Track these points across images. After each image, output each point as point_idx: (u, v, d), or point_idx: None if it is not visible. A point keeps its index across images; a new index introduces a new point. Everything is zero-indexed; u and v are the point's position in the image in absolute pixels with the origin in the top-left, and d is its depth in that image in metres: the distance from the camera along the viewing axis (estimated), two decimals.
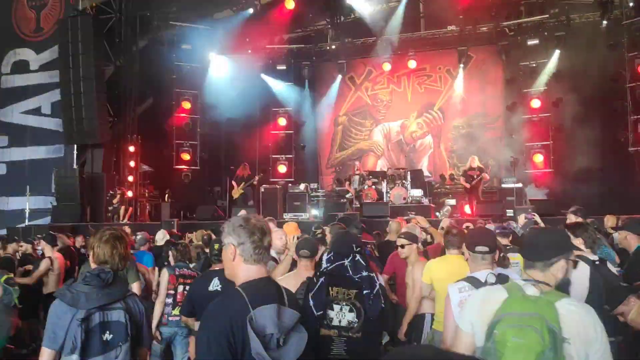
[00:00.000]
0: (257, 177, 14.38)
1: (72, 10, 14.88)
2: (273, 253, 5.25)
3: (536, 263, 2.32)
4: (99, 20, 14.89)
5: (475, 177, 13.09)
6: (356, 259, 3.17)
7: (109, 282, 2.70)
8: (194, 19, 16.78)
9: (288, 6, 15.68)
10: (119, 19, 15.67)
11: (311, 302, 3.07)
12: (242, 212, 8.84)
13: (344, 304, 3.07)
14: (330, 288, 3.09)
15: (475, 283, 3.07)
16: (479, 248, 3.18)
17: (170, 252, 5.60)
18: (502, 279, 2.81)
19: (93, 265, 2.83)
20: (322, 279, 3.13)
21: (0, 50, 16.62)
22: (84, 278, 2.70)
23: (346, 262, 3.15)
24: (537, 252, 2.35)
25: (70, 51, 14.08)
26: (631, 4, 13.39)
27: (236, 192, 14.25)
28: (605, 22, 13.82)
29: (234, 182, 14.41)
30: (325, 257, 3.26)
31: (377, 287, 3.15)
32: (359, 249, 3.24)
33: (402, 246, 5.12)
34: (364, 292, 3.08)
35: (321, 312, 3.04)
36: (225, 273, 2.35)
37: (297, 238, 4.39)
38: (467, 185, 13.19)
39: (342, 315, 3.06)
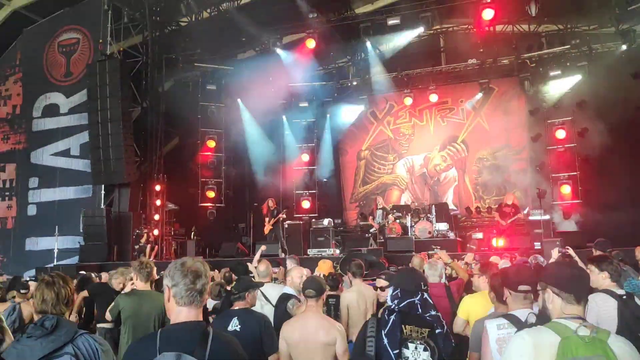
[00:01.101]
0: (281, 215, 14.38)
1: (100, 55, 15.40)
2: (293, 291, 5.23)
3: (582, 300, 2.30)
4: (126, 63, 15.36)
5: (511, 214, 12.85)
6: (424, 297, 3.18)
7: (52, 330, 2.59)
8: (218, 60, 17.23)
9: (309, 45, 15.96)
10: (145, 61, 16.16)
11: (385, 341, 3.04)
12: (263, 248, 8.86)
13: (419, 342, 3.04)
14: (403, 326, 3.06)
15: (515, 321, 3.02)
16: (521, 287, 3.14)
17: None
18: (542, 319, 2.74)
19: (36, 317, 2.77)
20: (393, 317, 3.10)
21: (32, 95, 17.24)
22: (28, 330, 2.62)
23: (416, 300, 3.14)
24: (585, 288, 2.34)
25: (99, 94, 14.52)
26: None
27: (266, 228, 14.27)
28: (625, 48, 13.70)
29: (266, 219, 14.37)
30: (390, 294, 3.25)
31: (446, 326, 3.16)
32: (426, 287, 3.23)
33: (382, 288, 4.90)
34: (437, 331, 3.07)
35: (397, 350, 3.01)
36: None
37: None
38: (504, 223, 12.89)
39: (417, 354, 3.03)
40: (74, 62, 16.69)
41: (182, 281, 2.24)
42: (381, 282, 4.93)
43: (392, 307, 3.17)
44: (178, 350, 2.08)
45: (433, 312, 3.14)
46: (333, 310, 5.28)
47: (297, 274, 5.16)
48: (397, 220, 13.58)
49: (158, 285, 5.96)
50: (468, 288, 5.65)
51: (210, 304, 6.03)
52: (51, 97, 16.94)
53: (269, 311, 4.98)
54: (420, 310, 3.11)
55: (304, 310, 4.15)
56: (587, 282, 2.40)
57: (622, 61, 13.95)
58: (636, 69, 13.61)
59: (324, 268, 6.35)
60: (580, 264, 6.04)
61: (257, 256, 7.29)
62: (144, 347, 2.16)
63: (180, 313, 2.24)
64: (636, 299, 3.76)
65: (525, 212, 13.27)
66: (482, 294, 4.41)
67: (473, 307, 4.37)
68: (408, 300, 3.13)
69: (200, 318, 2.29)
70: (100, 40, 15.49)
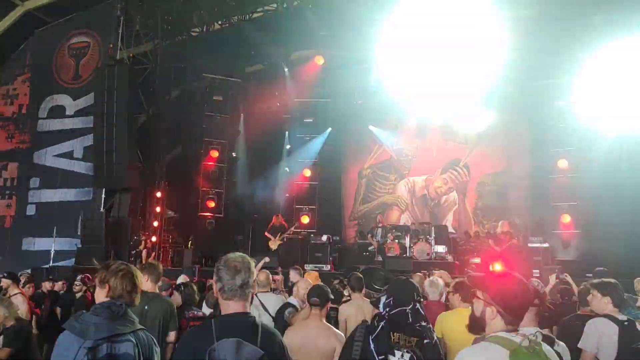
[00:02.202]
0: (292, 229, 14.41)
1: (110, 59, 15.51)
2: (296, 302, 5.22)
3: (521, 314, 2.42)
4: (135, 69, 15.48)
5: (505, 241, 12.86)
6: (416, 307, 3.20)
7: (120, 315, 2.67)
8: (226, 71, 17.34)
9: (318, 62, 16.11)
10: (154, 69, 16.27)
11: (372, 346, 3.05)
12: (266, 259, 8.84)
13: (405, 350, 3.04)
14: (392, 333, 3.08)
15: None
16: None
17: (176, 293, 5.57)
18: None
19: (103, 299, 2.78)
20: (382, 323, 3.13)
21: (39, 95, 17.36)
22: (94, 309, 2.68)
23: (407, 309, 3.16)
24: (527, 304, 2.49)
25: (106, 98, 14.59)
26: None
27: (274, 244, 14.28)
28: None
29: (268, 234, 14.47)
30: (383, 302, 3.27)
31: (436, 338, 3.19)
32: (419, 298, 3.26)
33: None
34: (425, 341, 3.08)
35: (382, 357, 3.02)
36: None
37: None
38: (498, 249, 12.90)
39: None
40: (83, 65, 16.83)
41: (224, 277, 2.44)
42: (314, 300, 4.75)
43: (383, 313, 3.19)
44: (233, 337, 2.25)
45: (424, 323, 3.16)
46: (332, 323, 5.26)
47: (303, 286, 5.17)
48: (396, 240, 13.56)
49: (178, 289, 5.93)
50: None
51: (207, 311, 5.99)
52: (58, 99, 17.04)
53: (266, 321, 4.96)
54: (410, 319, 3.13)
55: (301, 318, 4.14)
56: (529, 298, 2.48)
57: None
58: None
59: (311, 280, 6.35)
60: (576, 290, 6.06)
61: (259, 266, 7.27)
62: (201, 335, 2.33)
63: (228, 306, 2.44)
64: (637, 326, 3.77)
65: (520, 237, 13.24)
66: (457, 311, 4.42)
67: (447, 324, 4.38)
68: (399, 309, 3.16)
69: (248, 310, 2.49)
70: (111, 45, 15.61)
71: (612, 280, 4.13)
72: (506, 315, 2.30)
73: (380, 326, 3.11)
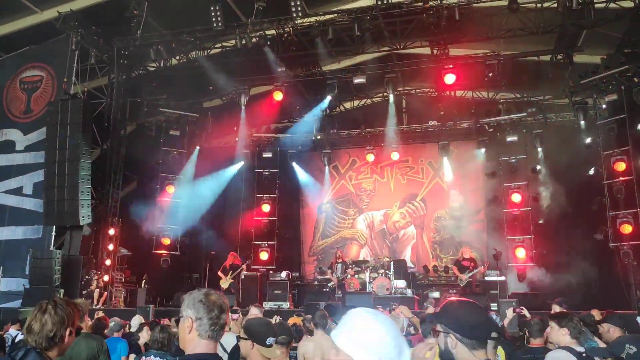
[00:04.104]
0: (244, 266, 14.28)
1: (64, 94, 15.16)
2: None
3: (484, 342, 2.34)
4: (89, 104, 15.14)
5: (470, 268, 13.01)
6: None
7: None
8: (184, 106, 17.21)
9: (276, 97, 16.21)
10: (109, 103, 15.98)
11: None
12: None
13: None
14: None
15: None
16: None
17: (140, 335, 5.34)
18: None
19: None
20: None
21: None
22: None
23: None
24: (488, 331, 2.38)
25: (58, 132, 14.16)
26: (604, 106, 14.03)
27: (224, 282, 14.15)
28: (582, 122, 14.38)
29: (220, 273, 14.32)
30: None
31: None
32: None
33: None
34: None
35: None
36: (180, 343, 2.37)
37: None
38: (463, 277, 13.02)
39: None
40: (35, 99, 16.38)
41: (207, 315, 2.29)
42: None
43: None
44: None
45: None
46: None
47: None
48: (356, 276, 13.52)
49: (96, 328, 5.72)
50: None
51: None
52: (7, 134, 16.45)
53: None
54: None
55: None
56: (490, 325, 2.42)
57: (576, 131, 14.61)
58: (589, 138, 14.26)
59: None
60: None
61: None
62: None
63: (198, 345, 2.28)
64: (596, 358, 3.80)
65: (482, 267, 13.42)
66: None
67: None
68: None
69: (217, 351, 2.35)
70: (65, 80, 15.28)
71: (569, 311, 4.19)
72: (467, 341, 2.27)
73: None
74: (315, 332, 5.37)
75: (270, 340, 3.30)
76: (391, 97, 16.57)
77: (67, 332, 2.60)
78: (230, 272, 14.22)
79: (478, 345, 2.28)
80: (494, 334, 2.32)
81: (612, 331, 4.85)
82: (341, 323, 1.81)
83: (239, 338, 3.50)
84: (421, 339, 5.79)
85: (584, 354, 3.75)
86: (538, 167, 15.48)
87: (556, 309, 5.52)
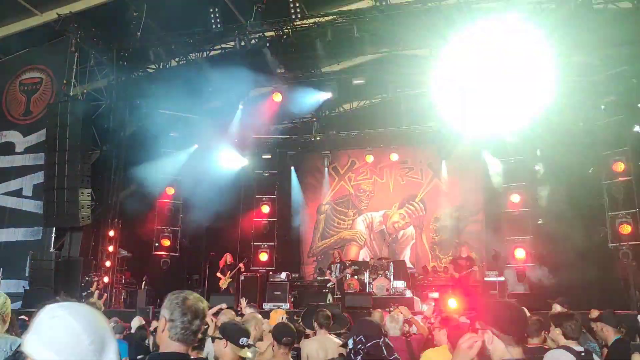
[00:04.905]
0: (241, 265, 14.28)
1: (63, 96, 15.17)
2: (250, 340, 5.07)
3: (521, 341, 2.40)
4: (89, 105, 15.17)
5: (465, 267, 13.05)
6: (386, 341, 3.30)
7: None
8: (183, 108, 17.21)
9: (275, 99, 16.23)
10: (108, 105, 16.00)
11: None
12: (223, 306, 8.57)
13: None
14: None
15: None
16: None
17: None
18: None
19: None
20: (359, 357, 3.18)
21: None
22: None
23: (380, 342, 3.25)
24: (524, 329, 2.52)
25: (58, 134, 14.19)
26: (602, 107, 14.05)
27: (224, 283, 14.12)
28: (581, 123, 14.40)
29: (219, 274, 14.30)
30: (353, 341, 3.31)
31: None
32: (385, 333, 3.49)
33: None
34: None
35: None
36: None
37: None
38: (456, 275, 13.09)
39: None
40: (35, 101, 16.39)
41: (179, 319, 2.29)
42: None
43: (358, 348, 3.23)
44: None
45: (396, 355, 3.25)
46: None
47: (252, 326, 5.04)
48: (355, 276, 13.53)
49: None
50: (427, 343, 5.62)
51: None
52: (7, 135, 16.47)
53: None
54: (385, 352, 3.20)
55: (267, 358, 4.04)
56: (526, 324, 2.49)
57: (576, 130, 14.61)
58: (588, 139, 14.26)
59: (275, 318, 6.26)
60: None
61: (213, 310, 7.05)
62: None
63: (170, 346, 2.30)
64: (594, 356, 3.83)
65: (478, 267, 13.45)
66: (444, 347, 4.40)
67: None
68: (373, 342, 3.22)
69: (189, 353, 2.38)
70: (65, 81, 15.29)
71: (571, 312, 4.20)
72: (504, 336, 2.29)
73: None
74: (319, 332, 5.40)
75: (243, 340, 3.35)
76: (390, 98, 16.58)
77: None
78: (229, 271, 14.18)
79: (513, 341, 2.31)
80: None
81: (606, 330, 4.83)
82: (32, 323, 1.54)
83: (213, 339, 3.57)
84: (421, 338, 5.82)
85: (582, 353, 3.78)
86: (537, 168, 15.49)
87: (557, 308, 5.53)
